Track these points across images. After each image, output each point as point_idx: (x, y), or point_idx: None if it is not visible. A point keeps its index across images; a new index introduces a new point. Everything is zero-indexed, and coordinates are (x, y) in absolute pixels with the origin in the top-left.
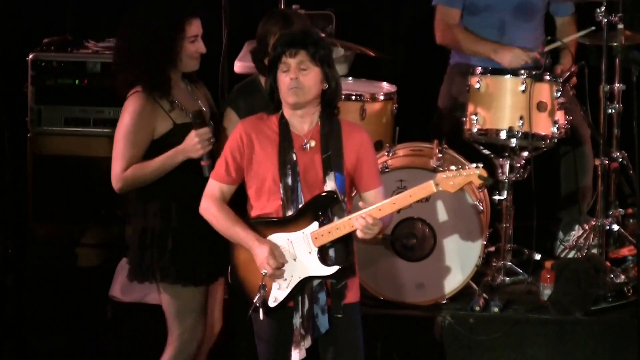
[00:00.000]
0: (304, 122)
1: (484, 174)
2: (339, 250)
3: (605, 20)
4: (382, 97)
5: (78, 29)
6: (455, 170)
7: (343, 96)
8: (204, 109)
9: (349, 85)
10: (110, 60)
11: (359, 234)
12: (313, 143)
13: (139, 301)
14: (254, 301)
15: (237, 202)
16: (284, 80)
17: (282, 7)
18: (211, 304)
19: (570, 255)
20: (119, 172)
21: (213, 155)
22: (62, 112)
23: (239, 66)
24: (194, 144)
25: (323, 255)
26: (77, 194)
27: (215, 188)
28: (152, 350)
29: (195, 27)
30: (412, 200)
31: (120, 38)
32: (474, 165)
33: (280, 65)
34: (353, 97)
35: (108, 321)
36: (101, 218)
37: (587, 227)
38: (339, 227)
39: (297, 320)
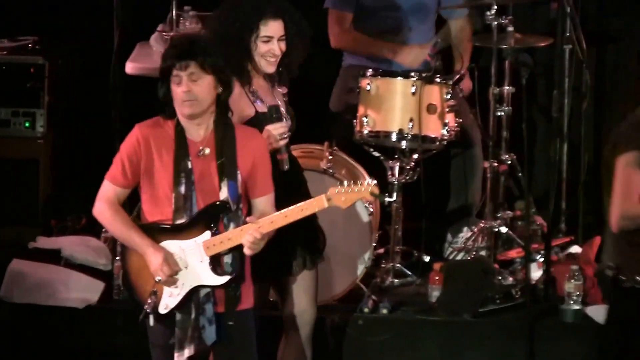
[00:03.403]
0: (200, 129)
1: (376, 190)
2: (230, 260)
3: (495, 23)
4: None
5: None
6: (348, 185)
7: None
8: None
9: None
10: (1, 61)
11: (246, 250)
12: (207, 150)
13: (30, 302)
14: (145, 307)
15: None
16: (178, 92)
17: (174, 9)
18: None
19: (459, 257)
20: None
21: (289, 150)
22: None
23: (130, 67)
24: (266, 137)
25: (214, 264)
26: None
27: (109, 191)
28: (43, 352)
29: (269, 29)
30: (304, 214)
31: (209, 26)
32: (367, 181)
33: (172, 77)
34: None
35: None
36: None
37: (475, 229)
38: (230, 237)
39: (177, 329)
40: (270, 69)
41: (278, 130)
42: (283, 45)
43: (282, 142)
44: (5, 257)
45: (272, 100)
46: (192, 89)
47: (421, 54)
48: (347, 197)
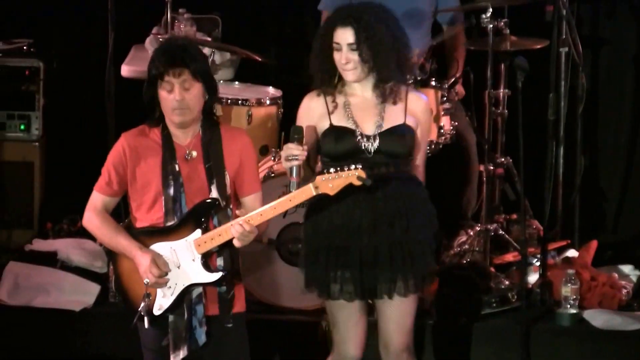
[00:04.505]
0: (186, 133)
1: (363, 175)
2: (223, 257)
3: (491, 26)
4: (268, 102)
5: None
6: (334, 172)
7: (229, 101)
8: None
9: (235, 89)
10: None
11: (235, 242)
12: (195, 154)
13: (26, 305)
14: (139, 310)
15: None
16: (168, 99)
17: (169, 11)
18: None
19: (455, 261)
20: None
21: (300, 174)
22: None
23: (125, 70)
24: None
25: (206, 261)
26: None
27: (97, 200)
28: (39, 354)
29: (338, 36)
30: (292, 204)
31: None
32: (353, 166)
33: (162, 83)
34: (239, 102)
35: None
36: None
37: (471, 233)
38: (221, 233)
39: (170, 331)
40: (348, 78)
41: (286, 151)
42: (353, 54)
43: (287, 164)
44: (1, 259)
45: (367, 117)
46: (185, 97)
47: None
48: (334, 183)
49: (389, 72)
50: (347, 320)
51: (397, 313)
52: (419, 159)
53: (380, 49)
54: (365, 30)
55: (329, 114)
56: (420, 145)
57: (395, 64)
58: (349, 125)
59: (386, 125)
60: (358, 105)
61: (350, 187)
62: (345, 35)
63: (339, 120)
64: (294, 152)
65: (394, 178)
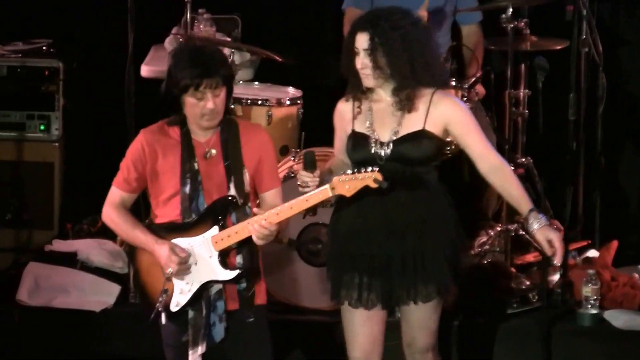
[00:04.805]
0: (207, 131)
1: (379, 177)
2: (242, 255)
3: (511, 26)
4: (288, 102)
5: None
6: (351, 174)
7: (249, 101)
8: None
9: (255, 90)
10: (16, 64)
11: (256, 240)
12: (214, 152)
13: (46, 305)
14: (156, 305)
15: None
16: (198, 106)
17: (189, 11)
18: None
19: (475, 261)
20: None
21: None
22: None
23: (145, 70)
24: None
25: (224, 259)
26: None
27: (116, 196)
28: (60, 355)
29: (357, 40)
30: (309, 204)
31: None
32: (370, 168)
33: (195, 92)
34: (259, 102)
35: (16, 326)
36: (8, 222)
37: (492, 233)
38: (238, 231)
39: (190, 326)
40: (365, 83)
41: (298, 178)
42: (367, 60)
43: (302, 190)
44: (21, 260)
45: (386, 124)
46: (216, 104)
47: None
48: (351, 185)
49: (403, 80)
50: (352, 321)
51: (420, 316)
52: (480, 147)
53: (393, 55)
54: (380, 36)
55: (353, 119)
56: (470, 137)
57: (410, 72)
58: (366, 132)
59: (403, 132)
60: (380, 111)
61: (367, 189)
62: (362, 40)
63: (359, 126)
64: (304, 179)
65: (407, 186)
